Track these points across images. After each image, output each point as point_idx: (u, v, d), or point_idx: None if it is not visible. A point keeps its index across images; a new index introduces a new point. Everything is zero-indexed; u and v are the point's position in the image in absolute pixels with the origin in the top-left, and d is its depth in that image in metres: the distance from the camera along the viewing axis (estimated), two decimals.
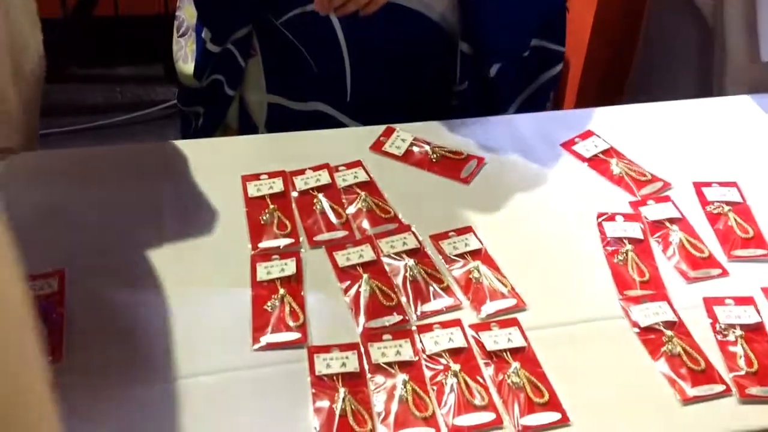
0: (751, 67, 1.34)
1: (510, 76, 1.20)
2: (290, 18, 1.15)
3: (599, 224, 0.99)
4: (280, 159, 1.08)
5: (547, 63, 1.24)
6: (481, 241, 0.96)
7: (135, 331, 0.85)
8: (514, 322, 0.87)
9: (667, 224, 0.99)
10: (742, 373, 0.83)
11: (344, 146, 1.11)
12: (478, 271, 0.92)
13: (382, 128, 1.14)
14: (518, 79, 1.23)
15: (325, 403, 0.79)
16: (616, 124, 1.18)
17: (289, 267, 0.92)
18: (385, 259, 0.93)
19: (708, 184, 1.06)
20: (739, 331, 0.86)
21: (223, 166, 1.06)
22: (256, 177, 1.03)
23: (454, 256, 0.94)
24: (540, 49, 1.22)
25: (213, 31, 1.20)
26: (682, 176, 1.08)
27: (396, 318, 0.87)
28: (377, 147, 1.10)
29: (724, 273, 0.94)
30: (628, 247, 0.96)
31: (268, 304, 0.88)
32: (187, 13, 1.28)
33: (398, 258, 0.94)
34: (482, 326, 0.87)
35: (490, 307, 0.89)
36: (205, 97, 1.23)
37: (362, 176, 1.04)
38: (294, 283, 0.91)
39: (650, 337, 0.86)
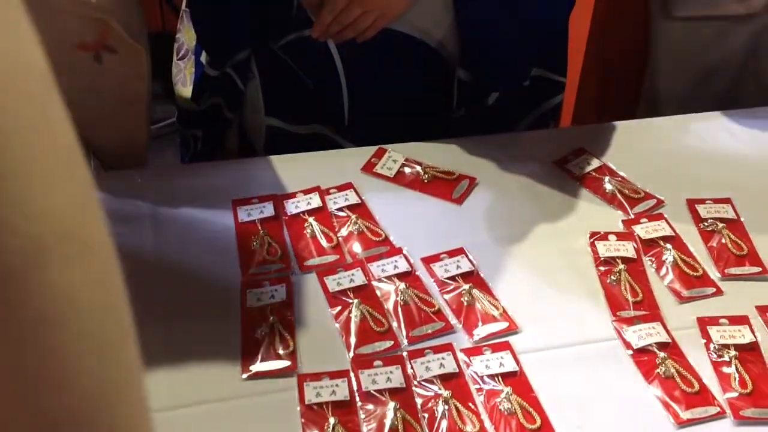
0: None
1: (508, 105, 1.19)
2: (288, 42, 1.15)
3: (592, 244, 0.98)
4: (273, 182, 1.08)
5: (547, 93, 1.23)
6: (473, 263, 0.96)
7: None
8: (506, 346, 0.86)
9: (661, 243, 0.99)
10: (736, 394, 0.82)
11: (337, 168, 1.11)
12: (470, 294, 0.92)
13: (373, 149, 1.13)
14: (517, 109, 1.22)
15: None
16: (608, 141, 1.17)
17: (279, 293, 0.91)
18: (376, 283, 0.93)
19: (702, 201, 1.05)
20: (733, 352, 0.86)
21: (216, 190, 1.06)
22: (246, 201, 1.02)
23: (446, 278, 0.94)
24: (540, 78, 1.21)
25: (212, 54, 1.20)
26: (676, 193, 1.08)
27: (387, 344, 0.87)
28: (368, 168, 1.10)
29: (718, 292, 0.93)
30: (621, 266, 0.95)
31: (258, 331, 0.88)
32: (186, 36, 1.28)
33: (389, 282, 0.93)
34: (474, 351, 0.86)
35: (482, 331, 0.88)
36: (204, 120, 1.23)
37: (353, 199, 1.03)
38: (284, 309, 0.90)
39: (644, 359, 0.85)
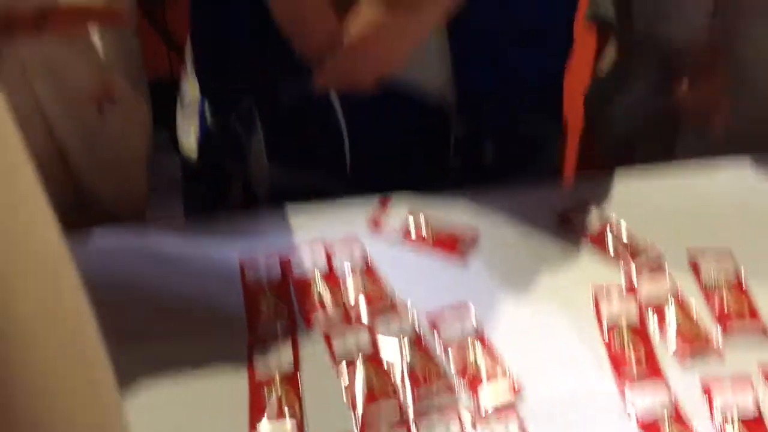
0: None
1: (505, 155, 1.21)
2: (290, 92, 1.17)
3: (595, 302, 0.99)
4: (279, 235, 1.09)
5: (545, 142, 1.25)
6: (478, 322, 0.97)
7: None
8: (511, 409, 0.87)
9: (663, 301, 0.99)
10: None
11: (341, 219, 1.12)
12: (475, 354, 0.93)
13: (378, 199, 1.15)
14: (515, 159, 1.24)
15: None
16: (611, 191, 1.18)
17: (286, 354, 0.92)
18: (381, 343, 0.94)
19: (704, 255, 1.06)
20: (736, 416, 0.86)
21: (221, 246, 1.07)
22: (253, 261, 1.03)
23: (451, 338, 0.95)
24: (536, 126, 1.23)
25: (214, 103, 1.22)
26: (679, 245, 1.08)
27: (393, 406, 0.87)
28: (373, 222, 1.11)
29: (720, 353, 0.94)
30: (624, 327, 0.96)
31: (265, 391, 0.89)
32: (190, 86, 1.29)
33: (395, 342, 0.94)
34: (479, 414, 0.87)
35: (486, 394, 0.89)
36: (208, 173, 1.25)
37: (359, 256, 1.04)
38: (290, 371, 0.91)
39: (647, 423, 0.86)
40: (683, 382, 0.91)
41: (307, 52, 1.11)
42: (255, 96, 1.19)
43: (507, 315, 0.99)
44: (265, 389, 0.89)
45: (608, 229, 1.10)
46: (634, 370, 0.91)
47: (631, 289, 1.01)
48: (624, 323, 0.96)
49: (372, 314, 0.97)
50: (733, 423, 0.86)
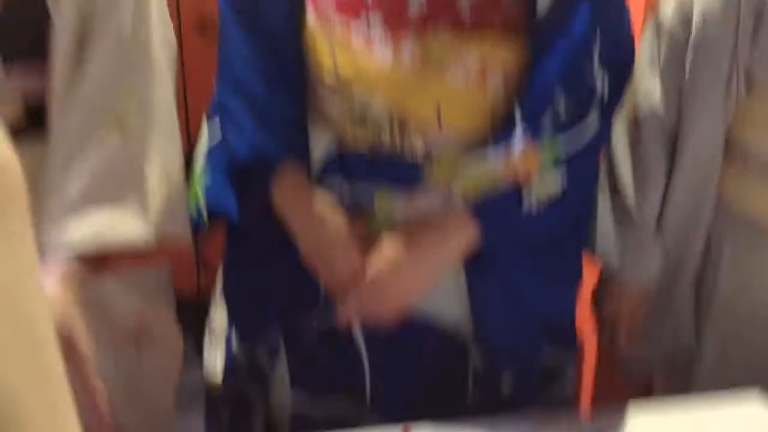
0: None
1: (522, 386, 1.24)
2: (315, 325, 1.22)
3: None
4: None
5: (562, 373, 1.29)
6: None
7: None
8: None
9: None
10: None
11: None
12: None
13: (399, 429, 1.16)
14: (531, 390, 1.27)
15: None
16: (630, 425, 1.19)
17: None
18: None
19: None
20: None
21: None
22: None
23: None
24: (551, 356, 1.27)
25: (241, 331, 1.26)
26: None
27: None
28: None
29: None
30: None
31: None
32: (219, 313, 1.34)
33: None
34: None
35: None
36: (231, 400, 1.28)
37: None
38: None
39: None
40: None
41: (332, 286, 1.17)
42: (281, 327, 1.24)
43: None
44: None
45: None
46: None
47: None
48: None
49: None
50: None
